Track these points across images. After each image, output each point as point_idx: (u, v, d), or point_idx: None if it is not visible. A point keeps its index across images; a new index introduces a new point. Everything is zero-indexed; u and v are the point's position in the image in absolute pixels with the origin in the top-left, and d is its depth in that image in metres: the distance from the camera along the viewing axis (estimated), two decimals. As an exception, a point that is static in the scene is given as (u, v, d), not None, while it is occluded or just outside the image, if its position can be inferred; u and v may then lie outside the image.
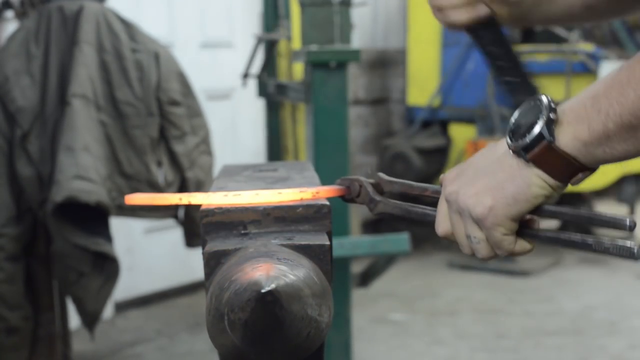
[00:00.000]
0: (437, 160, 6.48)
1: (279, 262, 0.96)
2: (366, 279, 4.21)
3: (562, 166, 0.96)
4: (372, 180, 1.23)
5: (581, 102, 0.96)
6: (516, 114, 1.01)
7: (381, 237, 3.83)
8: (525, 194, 0.99)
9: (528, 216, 1.04)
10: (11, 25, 4.04)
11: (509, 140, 1.00)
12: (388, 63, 7.05)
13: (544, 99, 0.98)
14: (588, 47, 6.11)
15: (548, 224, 6.93)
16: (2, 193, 3.26)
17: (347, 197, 1.23)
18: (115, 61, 3.33)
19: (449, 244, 5.19)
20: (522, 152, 0.98)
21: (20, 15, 3.58)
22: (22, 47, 3.32)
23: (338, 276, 3.51)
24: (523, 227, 1.04)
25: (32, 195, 3.24)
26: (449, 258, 6.30)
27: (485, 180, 1.01)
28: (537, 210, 1.01)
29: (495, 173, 1.01)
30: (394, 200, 1.20)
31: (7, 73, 3.27)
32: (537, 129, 0.96)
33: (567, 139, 0.95)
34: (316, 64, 3.50)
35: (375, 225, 6.77)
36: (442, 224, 1.09)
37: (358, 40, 6.02)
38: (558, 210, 1.03)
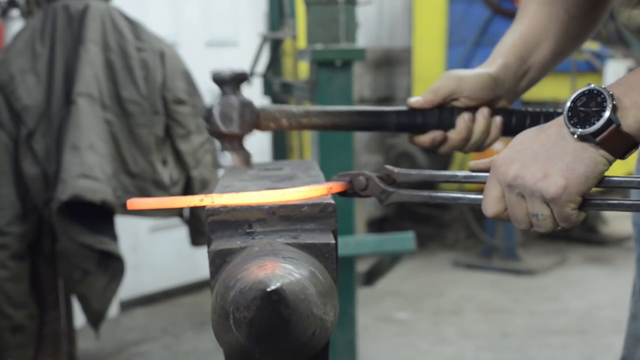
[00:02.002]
0: (442, 159, 6.48)
1: (285, 260, 0.96)
2: (371, 277, 4.21)
3: (624, 145, 1.11)
4: (378, 174, 1.25)
5: (636, 90, 1.11)
6: (570, 103, 1.13)
7: (386, 236, 3.83)
8: (594, 172, 1.11)
9: None
10: (17, 24, 4.05)
11: (572, 127, 1.12)
12: (393, 62, 7.04)
13: (600, 88, 1.11)
14: (593, 46, 6.10)
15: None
16: (8, 191, 3.26)
17: (349, 192, 1.25)
18: (120, 60, 3.34)
19: (454, 242, 5.14)
20: (591, 136, 1.10)
21: (26, 14, 3.59)
22: (27, 46, 3.32)
23: (343, 275, 3.51)
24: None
25: (37, 193, 3.25)
26: (454, 257, 6.30)
27: (551, 163, 1.12)
28: (601, 183, 1.14)
29: (560, 156, 1.12)
30: (409, 190, 1.23)
31: (13, 72, 3.28)
32: (606, 115, 1.10)
33: (630, 122, 1.10)
34: (321, 63, 3.50)
35: (381, 224, 6.77)
36: (494, 206, 1.19)
37: (363, 39, 6.03)
38: (623, 180, 1.16)
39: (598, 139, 1.10)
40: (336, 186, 1.22)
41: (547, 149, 1.13)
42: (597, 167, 1.11)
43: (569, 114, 1.13)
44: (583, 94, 1.13)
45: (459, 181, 1.24)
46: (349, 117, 1.38)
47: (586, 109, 1.12)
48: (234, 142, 1.24)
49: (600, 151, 1.11)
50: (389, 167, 1.26)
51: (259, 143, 5.77)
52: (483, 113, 1.44)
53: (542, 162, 1.13)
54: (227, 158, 1.22)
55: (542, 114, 1.45)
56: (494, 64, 1.48)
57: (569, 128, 1.12)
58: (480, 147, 1.46)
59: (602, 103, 1.10)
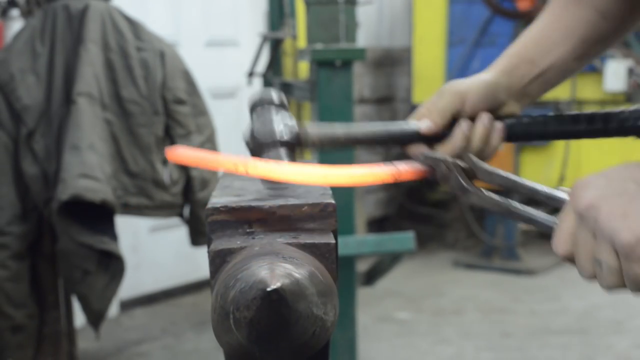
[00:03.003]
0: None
1: (285, 260, 0.96)
2: (371, 277, 4.20)
3: None
4: (462, 163, 1.11)
5: None
6: None
7: (386, 236, 3.83)
8: None
9: None
10: (17, 23, 4.05)
11: None
12: (393, 62, 7.04)
13: None
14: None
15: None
16: (8, 191, 3.26)
17: (431, 179, 1.13)
18: (120, 60, 3.34)
19: (454, 242, 5.10)
20: None
21: (26, 13, 3.59)
22: (27, 46, 3.32)
23: (343, 275, 3.51)
24: None
25: (37, 193, 3.25)
26: (454, 257, 6.30)
27: (638, 204, 0.86)
28: None
29: None
30: (490, 195, 1.09)
31: (13, 71, 3.28)
32: None
33: None
34: (321, 63, 3.50)
35: (381, 224, 6.77)
36: (565, 243, 0.94)
37: (363, 38, 6.02)
38: None
39: None
40: (417, 172, 1.11)
41: None
42: None
43: None
44: None
45: (539, 199, 1.05)
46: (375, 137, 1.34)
47: None
48: None
49: None
50: (472, 157, 1.12)
51: (259, 143, 5.77)
52: (482, 120, 1.34)
53: (628, 200, 0.87)
54: None
55: (553, 118, 1.35)
56: (496, 67, 1.40)
57: None
58: (482, 156, 1.33)
59: None
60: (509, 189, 1.11)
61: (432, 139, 1.34)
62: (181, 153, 1.04)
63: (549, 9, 1.43)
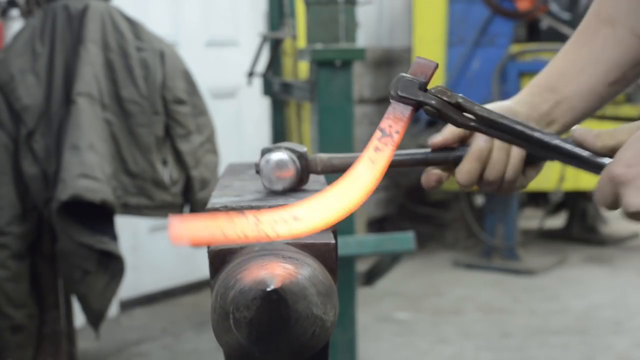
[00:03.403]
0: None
1: (285, 260, 0.96)
2: (371, 277, 4.20)
3: None
4: (447, 98, 1.13)
5: None
6: None
7: (386, 236, 3.83)
8: None
9: None
10: (16, 23, 4.05)
11: None
12: (393, 62, 7.04)
13: None
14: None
15: (553, 222, 6.92)
16: (8, 191, 3.26)
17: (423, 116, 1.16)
18: (120, 60, 3.34)
19: (454, 242, 5.09)
20: None
21: (26, 13, 3.59)
22: (27, 46, 3.32)
23: (343, 275, 3.51)
24: None
25: (37, 193, 3.25)
26: (454, 257, 6.30)
27: None
28: None
29: None
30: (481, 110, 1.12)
31: (13, 71, 3.28)
32: None
33: None
34: (321, 63, 3.50)
35: (381, 224, 6.77)
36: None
37: (363, 38, 6.02)
38: None
39: None
40: (401, 121, 1.09)
41: None
42: None
43: None
44: None
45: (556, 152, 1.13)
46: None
47: None
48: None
49: None
50: (458, 95, 1.14)
51: (257, 141, 5.78)
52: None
53: None
54: None
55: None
56: (518, 95, 1.37)
57: None
58: (502, 179, 1.27)
59: None
60: (489, 124, 1.14)
61: (451, 162, 1.29)
62: (187, 231, 0.95)
63: (576, 34, 1.39)
